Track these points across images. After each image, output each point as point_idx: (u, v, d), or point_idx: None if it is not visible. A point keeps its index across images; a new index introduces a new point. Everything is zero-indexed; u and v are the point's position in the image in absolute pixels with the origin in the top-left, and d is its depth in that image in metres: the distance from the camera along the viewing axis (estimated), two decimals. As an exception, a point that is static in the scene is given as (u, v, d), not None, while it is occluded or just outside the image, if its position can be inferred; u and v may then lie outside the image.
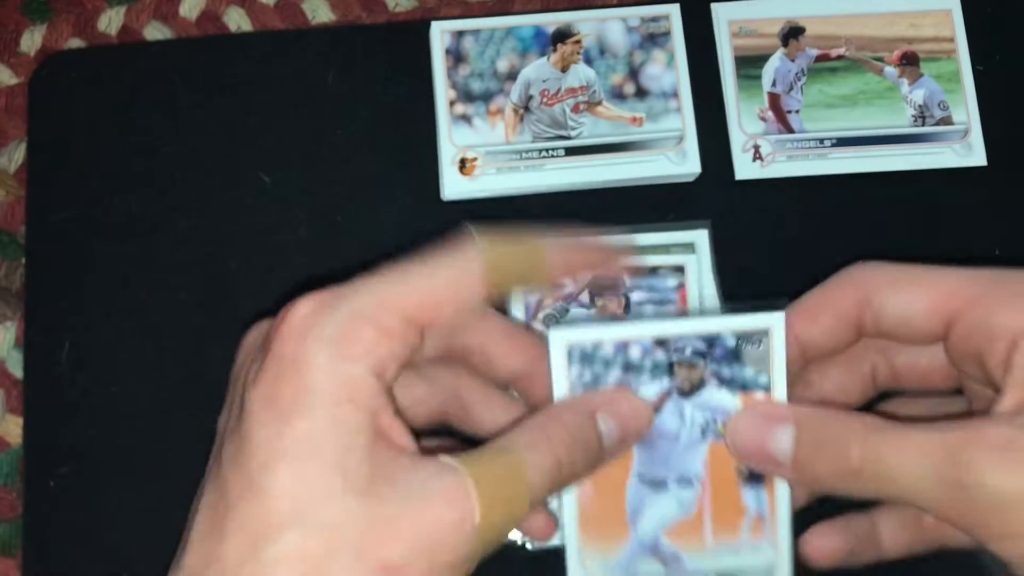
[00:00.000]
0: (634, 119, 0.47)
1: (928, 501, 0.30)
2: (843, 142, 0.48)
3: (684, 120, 0.47)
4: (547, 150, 0.47)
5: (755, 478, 0.36)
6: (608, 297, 0.39)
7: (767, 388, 0.35)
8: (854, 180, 0.47)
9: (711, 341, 0.35)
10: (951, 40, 0.49)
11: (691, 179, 0.47)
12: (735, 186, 0.47)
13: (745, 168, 0.47)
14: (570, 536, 0.35)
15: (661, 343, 0.35)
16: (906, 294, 0.33)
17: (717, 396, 0.35)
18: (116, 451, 0.45)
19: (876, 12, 0.49)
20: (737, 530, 0.36)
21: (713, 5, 0.49)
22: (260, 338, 0.32)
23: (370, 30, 0.49)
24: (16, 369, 0.47)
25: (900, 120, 0.48)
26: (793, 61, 0.49)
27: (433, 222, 0.47)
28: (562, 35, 0.48)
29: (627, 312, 0.39)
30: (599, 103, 0.47)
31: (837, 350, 0.35)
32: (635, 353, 0.35)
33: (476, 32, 0.48)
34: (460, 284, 0.31)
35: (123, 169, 0.47)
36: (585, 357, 0.34)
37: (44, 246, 0.47)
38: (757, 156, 0.47)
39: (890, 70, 0.49)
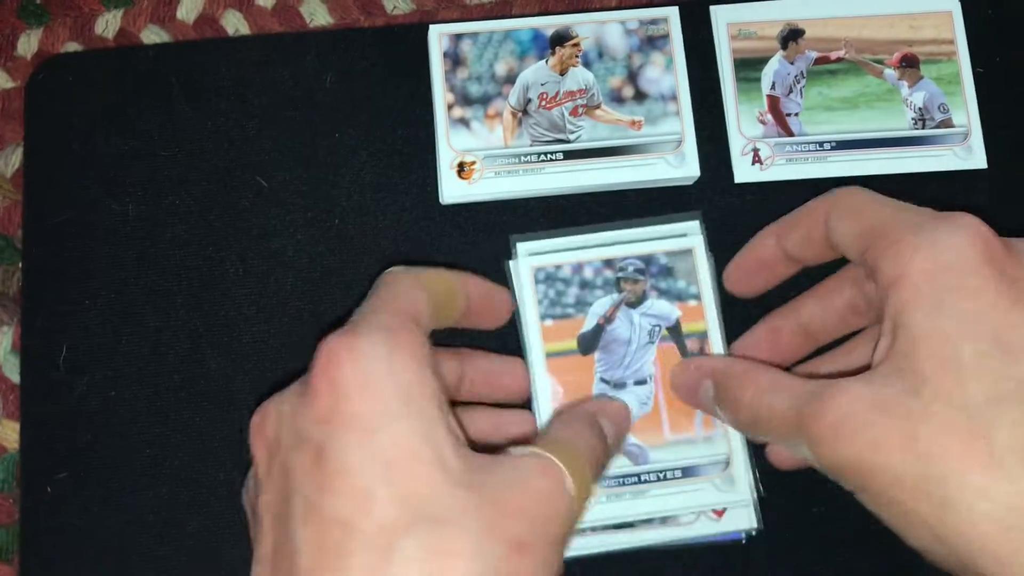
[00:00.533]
0: (633, 122, 0.47)
1: (787, 460, 0.40)
2: (843, 145, 0.47)
3: (683, 123, 0.47)
4: (546, 154, 0.46)
5: None
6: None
7: (697, 297, 0.43)
8: (854, 183, 0.47)
9: (648, 260, 0.43)
10: (951, 42, 0.49)
11: (690, 182, 0.47)
12: (734, 189, 0.47)
13: (744, 171, 0.47)
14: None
15: (608, 263, 0.43)
16: (843, 222, 0.36)
17: (658, 305, 0.43)
18: (114, 456, 0.45)
19: (876, 14, 0.49)
20: (691, 424, 0.41)
21: (712, 7, 0.49)
22: (282, 417, 0.32)
23: (368, 33, 0.49)
24: (13, 374, 0.47)
25: (900, 123, 0.48)
26: (792, 64, 0.48)
27: (431, 226, 0.47)
28: (560, 38, 0.48)
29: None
30: (598, 106, 0.47)
31: (818, 260, 0.40)
32: (588, 273, 0.43)
33: (474, 35, 0.48)
34: (420, 303, 0.34)
35: (120, 173, 0.47)
36: (548, 276, 0.43)
37: (41, 250, 0.47)
38: (756, 159, 0.47)
39: (890, 72, 0.48)
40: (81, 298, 0.46)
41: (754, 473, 0.41)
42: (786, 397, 0.34)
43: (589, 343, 0.42)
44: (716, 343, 0.43)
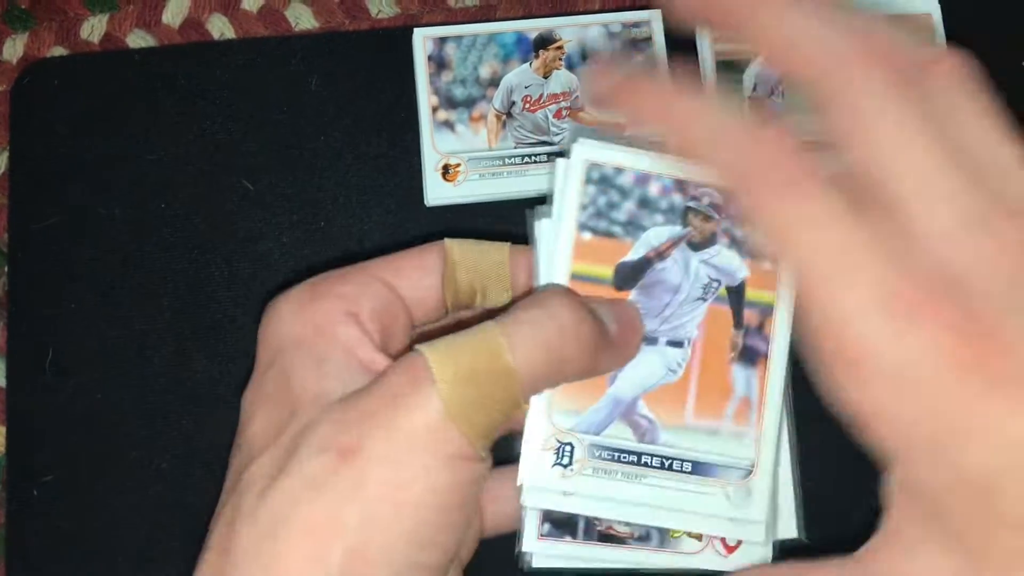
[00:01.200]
0: (616, 125, 0.47)
1: None
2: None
3: (666, 125, 0.47)
4: (530, 156, 0.47)
5: (748, 356, 0.33)
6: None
7: (775, 260, 0.33)
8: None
9: (729, 196, 0.32)
10: (931, 44, 0.49)
11: (673, 184, 0.47)
12: (717, 190, 0.47)
13: (727, 173, 0.47)
14: None
15: (681, 186, 0.33)
16: None
17: (726, 256, 0.33)
18: (100, 459, 0.45)
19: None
20: (721, 411, 0.33)
21: (695, 10, 0.49)
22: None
23: (353, 37, 0.50)
24: (-1, 377, 0.47)
25: (881, 124, 0.48)
26: (774, 66, 0.49)
27: (417, 228, 0.47)
28: (544, 41, 0.48)
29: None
30: (581, 109, 0.47)
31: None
32: (654, 190, 0.33)
33: (458, 38, 0.48)
34: (420, 266, 0.32)
35: (106, 177, 0.47)
36: (604, 179, 0.33)
37: (27, 254, 0.47)
38: (739, 161, 0.48)
39: (871, 74, 0.49)
40: (67, 301, 0.46)
41: (797, 499, 0.34)
42: None
43: (628, 276, 0.33)
44: (781, 321, 0.34)
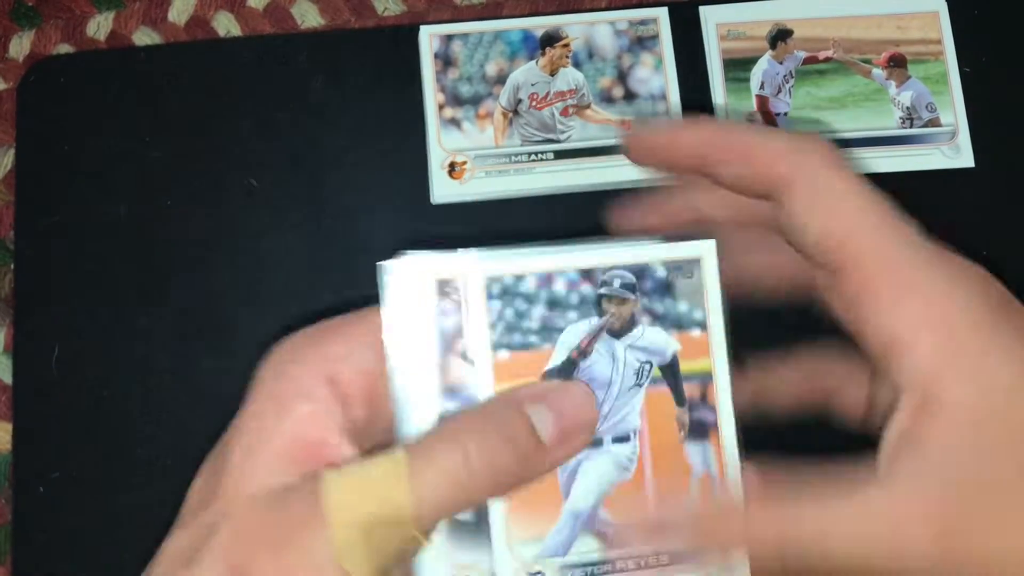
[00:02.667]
0: (623, 122, 0.47)
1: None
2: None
3: (673, 123, 0.47)
4: (536, 153, 0.47)
5: (699, 431, 0.32)
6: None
7: (703, 325, 0.31)
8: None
9: (640, 272, 0.31)
10: (938, 42, 0.49)
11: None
12: (724, 188, 0.47)
13: (734, 170, 0.47)
14: (495, 517, 0.31)
15: (587, 275, 0.31)
16: (808, 208, 0.29)
17: (651, 335, 0.31)
18: (106, 456, 0.45)
19: (864, 14, 0.49)
20: (684, 492, 0.31)
21: (701, 8, 0.49)
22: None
23: (359, 34, 0.49)
24: (5, 375, 0.47)
25: (888, 122, 0.48)
26: (781, 64, 0.49)
27: (423, 226, 0.47)
28: (550, 39, 0.48)
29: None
30: (588, 106, 0.47)
31: (735, 218, 0.32)
32: (560, 287, 0.31)
33: (465, 36, 0.48)
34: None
35: (112, 174, 0.47)
36: (506, 291, 0.31)
37: (33, 251, 0.47)
38: (746, 158, 0.47)
39: (878, 72, 0.49)
40: (73, 299, 0.46)
41: None
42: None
43: None
44: (723, 388, 0.32)
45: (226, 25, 0.51)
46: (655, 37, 0.48)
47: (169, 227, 0.47)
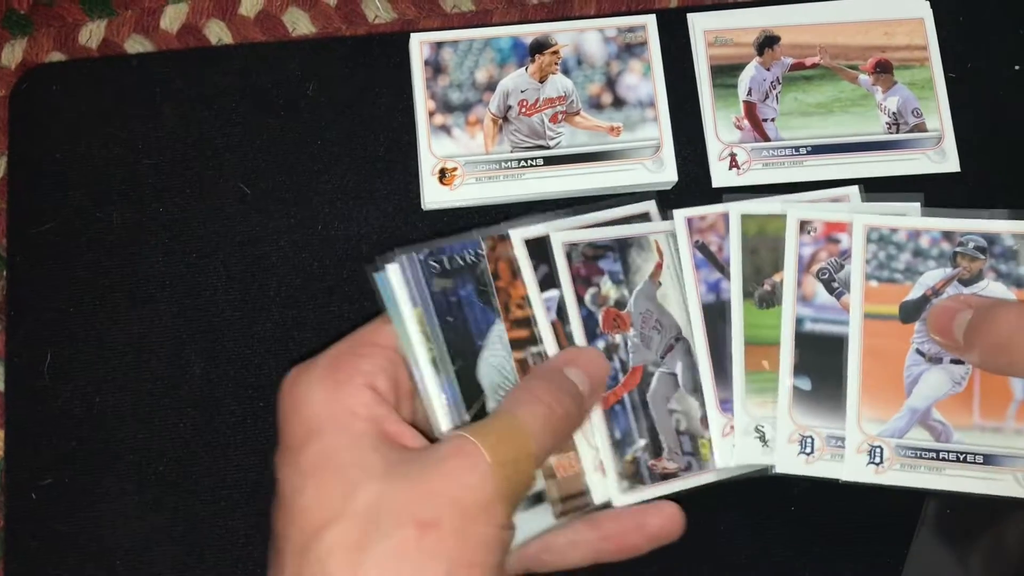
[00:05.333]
0: (612, 128, 0.47)
1: None
2: (818, 149, 0.48)
3: (661, 129, 0.48)
4: (526, 160, 0.47)
5: None
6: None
7: None
8: (829, 187, 0.48)
9: (992, 239, 0.40)
10: (924, 48, 0.50)
11: (668, 187, 0.48)
12: (712, 194, 0.48)
13: (722, 176, 0.48)
14: (851, 398, 0.40)
15: (947, 236, 0.40)
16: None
17: (993, 288, 0.40)
18: (98, 462, 0.45)
19: (850, 21, 0.50)
20: (1004, 413, 0.40)
21: (689, 15, 0.50)
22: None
23: (350, 42, 0.50)
24: (-2, 381, 0.47)
25: (874, 127, 0.48)
26: (768, 70, 0.49)
27: (414, 232, 0.47)
28: (540, 46, 0.48)
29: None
30: (577, 113, 0.48)
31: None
32: (924, 242, 0.41)
33: (455, 43, 0.48)
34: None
35: (104, 181, 0.48)
36: (882, 238, 0.41)
37: (25, 258, 0.47)
38: (733, 164, 0.48)
39: (864, 78, 0.49)
40: (65, 305, 0.46)
41: None
42: None
43: (911, 312, 0.40)
44: None
45: (218, 33, 0.51)
46: (643, 44, 0.49)
47: (161, 234, 0.47)
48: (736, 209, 0.41)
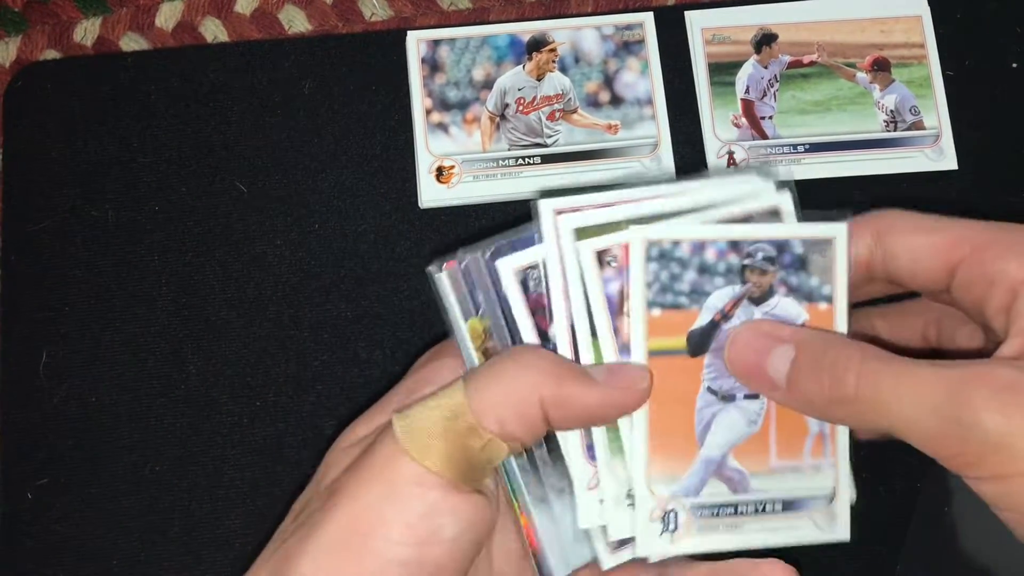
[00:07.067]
0: (609, 126, 0.47)
1: (922, 436, 0.30)
2: (816, 147, 0.48)
3: (659, 127, 0.48)
4: (523, 158, 0.47)
5: None
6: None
7: (829, 299, 0.35)
8: (827, 185, 0.48)
9: (781, 247, 0.35)
10: (921, 46, 0.50)
11: (666, 185, 0.47)
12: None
13: (720, 174, 0.48)
14: (637, 456, 0.35)
15: (735, 246, 0.35)
16: (914, 238, 0.34)
17: (784, 305, 0.35)
18: (94, 462, 0.45)
19: (848, 19, 0.50)
20: (800, 450, 0.35)
21: (687, 13, 0.50)
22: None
23: (346, 39, 0.50)
24: (-7, 381, 0.47)
25: (872, 125, 0.48)
26: (766, 68, 0.49)
27: (411, 230, 0.47)
28: (537, 44, 0.48)
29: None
30: (574, 111, 0.48)
31: (854, 288, 0.36)
32: (710, 255, 0.35)
33: (452, 41, 0.48)
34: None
35: (99, 180, 0.47)
36: (663, 255, 0.35)
37: (20, 257, 0.47)
38: (731, 162, 0.48)
39: (862, 76, 0.49)
40: (61, 305, 0.46)
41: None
42: (919, 365, 0.30)
43: (700, 343, 0.35)
44: None
45: (213, 31, 0.51)
46: (641, 42, 0.49)
47: (157, 232, 0.47)
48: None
